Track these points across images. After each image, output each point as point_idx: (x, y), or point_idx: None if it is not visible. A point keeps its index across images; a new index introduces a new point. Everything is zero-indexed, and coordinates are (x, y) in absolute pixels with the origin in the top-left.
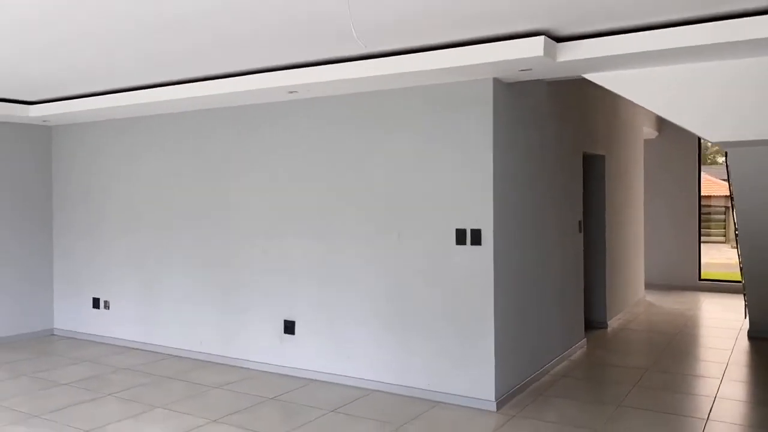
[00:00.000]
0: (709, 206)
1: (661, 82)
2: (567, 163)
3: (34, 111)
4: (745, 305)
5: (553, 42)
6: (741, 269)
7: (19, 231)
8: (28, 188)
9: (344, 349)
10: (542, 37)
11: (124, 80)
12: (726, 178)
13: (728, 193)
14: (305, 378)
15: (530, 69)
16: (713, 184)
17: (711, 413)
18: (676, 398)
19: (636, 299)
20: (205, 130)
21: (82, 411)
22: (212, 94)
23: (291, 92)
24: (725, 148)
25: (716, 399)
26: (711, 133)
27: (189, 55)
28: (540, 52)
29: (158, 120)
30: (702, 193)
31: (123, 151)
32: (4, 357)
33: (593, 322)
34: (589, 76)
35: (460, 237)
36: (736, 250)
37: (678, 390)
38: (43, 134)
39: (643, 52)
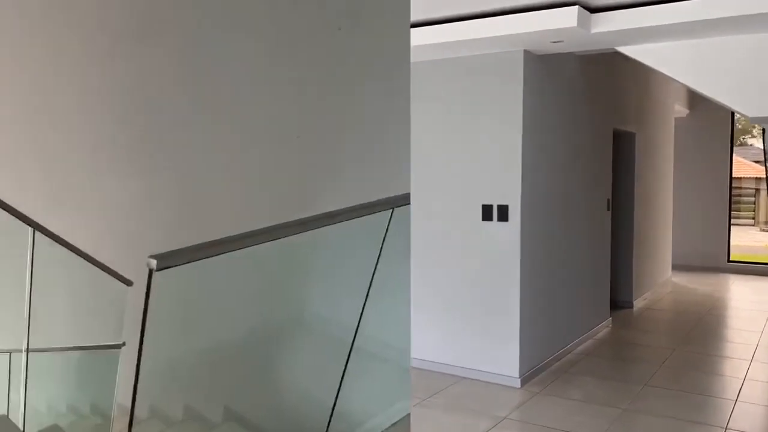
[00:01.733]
0: (739, 188)
1: (697, 55)
2: (597, 140)
3: None
4: None
5: (587, 12)
6: None
7: None
8: None
9: None
10: (576, 7)
11: None
12: (761, 160)
13: (759, 175)
14: None
15: (562, 41)
16: (743, 166)
17: (740, 394)
18: (703, 378)
19: (663, 280)
20: None
21: None
22: None
23: None
24: (763, 124)
25: (745, 380)
26: (748, 108)
27: None
28: (574, 22)
29: None
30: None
31: None
32: None
33: (619, 302)
34: (622, 49)
35: (487, 213)
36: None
37: (706, 370)
38: None
39: (679, 24)
